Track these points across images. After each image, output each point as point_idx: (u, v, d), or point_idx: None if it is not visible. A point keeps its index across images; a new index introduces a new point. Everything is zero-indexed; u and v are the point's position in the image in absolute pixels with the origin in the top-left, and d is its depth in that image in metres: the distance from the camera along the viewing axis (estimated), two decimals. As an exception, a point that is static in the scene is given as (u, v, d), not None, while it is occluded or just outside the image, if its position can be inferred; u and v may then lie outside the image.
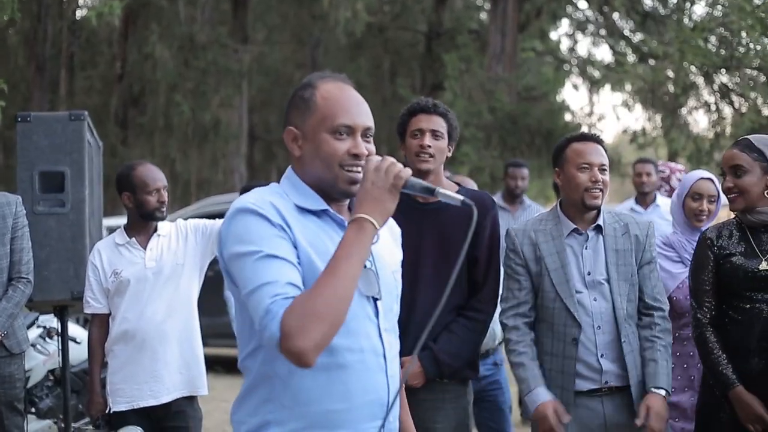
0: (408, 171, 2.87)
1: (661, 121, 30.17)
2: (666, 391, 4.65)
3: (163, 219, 5.76)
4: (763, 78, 24.32)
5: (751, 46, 23.54)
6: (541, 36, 30.39)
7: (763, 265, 4.59)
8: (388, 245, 3.18)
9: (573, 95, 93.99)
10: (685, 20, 25.18)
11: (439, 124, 4.92)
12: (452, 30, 29.03)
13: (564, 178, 4.84)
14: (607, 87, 31.29)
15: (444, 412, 4.92)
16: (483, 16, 30.96)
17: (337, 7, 24.59)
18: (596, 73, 30.50)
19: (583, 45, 49.61)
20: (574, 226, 4.84)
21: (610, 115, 69.28)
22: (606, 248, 4.81)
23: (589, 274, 4.79)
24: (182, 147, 26.88)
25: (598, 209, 4.84)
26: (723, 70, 25.29)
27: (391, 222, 3.29)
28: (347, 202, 3.06)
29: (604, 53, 49.72)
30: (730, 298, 4.69)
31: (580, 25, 30.61)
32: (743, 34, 23.10)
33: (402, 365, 4.81)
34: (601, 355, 4.74)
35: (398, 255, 3.29)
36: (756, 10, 21.22)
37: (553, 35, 32.15)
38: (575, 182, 4.77)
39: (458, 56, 24.90)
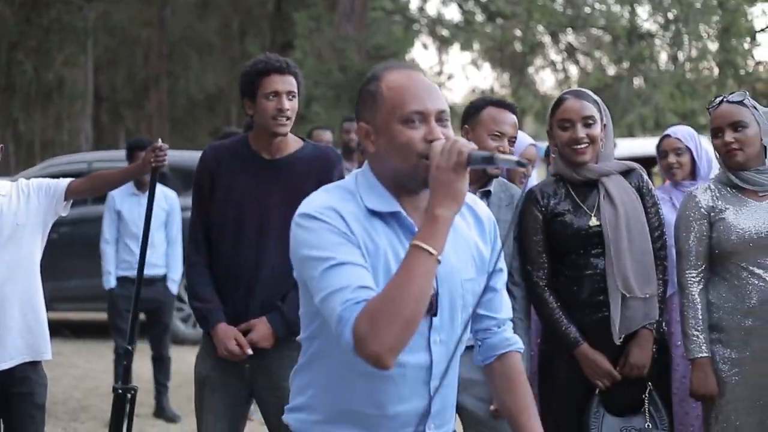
0: (470, 146, 2.71)
1: (509, 80, 30.64)
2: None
3: None
4: (608, 38, 24.87)
5: (597, 6, 24.04)
6: (390, -5, 30.46)
7: (593, 221, 4.60)
8: (463, 247, 2.96)
9: (423, 54, 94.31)
10: (533, -20, 25.52)
11: (293, 84, 4.83)
12: (302, -11, 28.89)
13: (472, 140, 4.69)
14: (456, 46, 31.61)
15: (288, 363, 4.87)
16: (333, -26, 30.86)
17: (183, -36, 24.23)
18: (445, 33, 30.72)
19: (433, 5, 49.76)
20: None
21: (459, 74, 69.74)
22: None
23: None
24: (25, 107, 26.19)
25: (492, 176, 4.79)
26: (569, 30, 25.80)
27: (484, 213, 3.11)
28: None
29: (453, 13, 50.13)
30: (562, 255, 4.69)
31: (429, -15, 30.77)
32: (589, -6, 23.58)
33: (251, 328, 4.77)
34: None
35: (485, 253, 3.05)
36: (601, -29, 21.64)
37: (403, -5, 32.21)
38: (482, 147, 4.56)
39: (308, 15, 24.80)
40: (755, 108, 4.64)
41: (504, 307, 3.13)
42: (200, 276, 4.89)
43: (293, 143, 4.93)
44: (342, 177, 4.90)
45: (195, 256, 4.89)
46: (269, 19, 30.44)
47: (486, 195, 4.76)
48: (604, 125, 4.68)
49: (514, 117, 4.80)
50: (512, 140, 4.75)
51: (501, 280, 3.12)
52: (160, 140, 5.61)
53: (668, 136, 6.04)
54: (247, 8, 30.90)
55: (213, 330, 4.81)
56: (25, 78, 24.89)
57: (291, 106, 4.81)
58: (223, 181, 4.79)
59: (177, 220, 9.02)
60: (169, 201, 8.99)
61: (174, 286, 8.94)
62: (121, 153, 10.68)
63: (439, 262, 2.64)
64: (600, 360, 4.58)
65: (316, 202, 2.82)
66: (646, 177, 4.77)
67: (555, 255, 4.72)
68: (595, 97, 4.73)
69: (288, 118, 4.79)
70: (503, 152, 4.60)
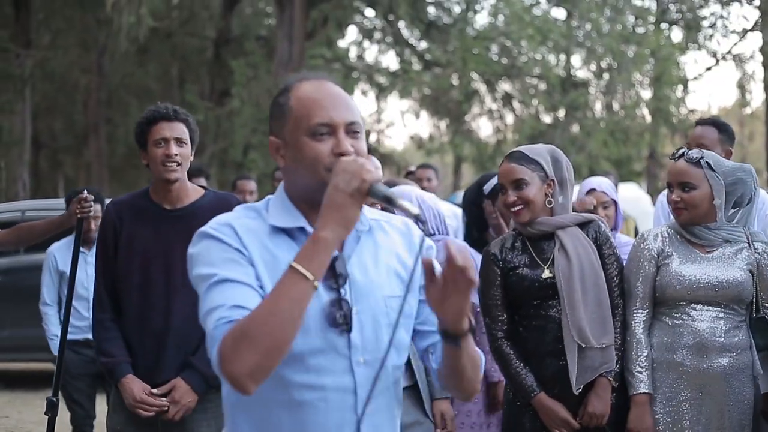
0: (377, 174, 2.57)
1: (446, 128, 30.83)
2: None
3: None
4: (542, 86, 25.17)
5: (531, 55, 24.34)
6: (328, 43, 30.59)
7: (546, 273, 4.66)
8: (385, 263, 2.80)
9: (362, 102, 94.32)
10: (468, 30, 25.80)
11: (183, 130, 4.86)
12: (240, 36, 28.97)
13: None
14: (395, 94, 31.78)
15: (207, 420, 4.91)
16: (272, 22, 30.98)
17: (121, 12, 24.19)
18: (383, 80, 30.89)
19: (371, 53, 49.89)
20: None
21: (398, 121, 69.99)
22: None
23: None
24: (-39, 154, 26.02)
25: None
26: (505, 78, 26.08)
27: (413, 232, 2.90)
28: None
29: (390, 61, 50.36)
30: (520, 308, 4.75)
31: (367, 33, 30.98)
32: (523, 43, 23.89)
33: (173, 402, 4.75)
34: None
35: (405, 269, 2.82)
36: (535, 21, 21.97)
37: (342, 43, 32.35)
38: None
39: (246, 63, 24.89)
40: (711, 168, 4.69)
41: None
42: (106, 332, 4.87)
43: (193, 192, 4.96)
44: None
45: (100, 313, 4.88)
46: (208, 67, 30.49)
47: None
48: (552, 180, 4.70)
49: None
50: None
51: None
52: (85, 191, 5.67)
53: (594, 190, 6.09)
54: (185, 55, 30.94)
55: (120, 383, 4.79)
56: (-38, 125, 24.75)
57: (180, 152, 4.83)
58: (126, 236, 4.82)
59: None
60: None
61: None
62: (57, 201, 10.67)
63: (315, 287, 2.48)
64: (557, 409, 4.62)
65: (214, 220, 2.71)
66: (604, 227, 4.82)
67: (513, 308, 4.77)
68: (538, 156, 4.74)
69: (178, 164, 4.82)
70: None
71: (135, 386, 4.75)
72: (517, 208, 4.68)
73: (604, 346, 4.60)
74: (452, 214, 7.50)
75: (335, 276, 2.65)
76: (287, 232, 2.69)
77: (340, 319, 2.63)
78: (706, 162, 4.71)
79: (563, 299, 4.60)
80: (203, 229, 2.68)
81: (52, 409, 5.72)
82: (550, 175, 4.71)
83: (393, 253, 2.80)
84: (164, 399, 4.76)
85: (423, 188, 10.01)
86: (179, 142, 4.84)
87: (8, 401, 11.54)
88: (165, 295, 4.67)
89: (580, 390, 4.60)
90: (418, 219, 2.53)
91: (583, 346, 4.57)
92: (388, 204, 2.54)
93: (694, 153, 4.75)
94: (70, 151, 34.28)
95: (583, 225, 4.78)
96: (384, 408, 2.73)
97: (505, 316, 4.76)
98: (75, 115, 32.98)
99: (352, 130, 2.68)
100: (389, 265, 2.77)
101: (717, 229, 4.73)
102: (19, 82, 25.56)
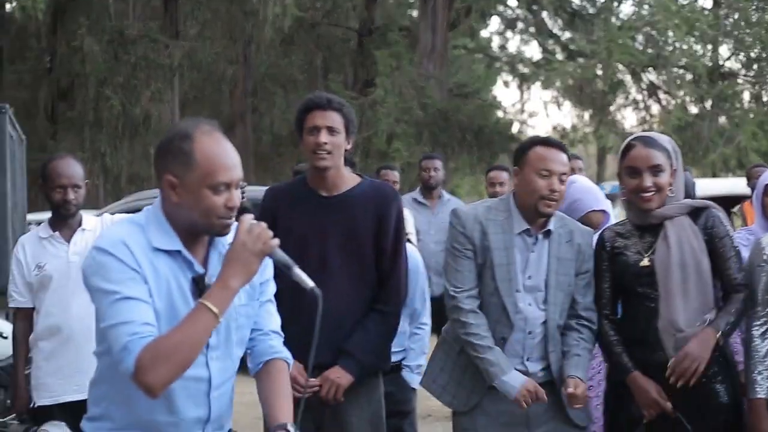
0: (276, 241, 3.19)
1: (590, 118, 30.48)
2: (581, 379, 4.69)
3: (70, 216, 5.68)
4: (689, 76, 24.65)
5: (677, 45, 23.87)
6: (471, 34, 30.53)
7: (645, 262, 4.67)
8: None
9: (504, 92, 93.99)
10: (613, 19, 25.45)
11: (335, 119, 4.92)
12: (383, 27, 29.04)
13: (522, 181, 4.78)
14: (537, 84, 31.54)
15: (359, 404, 4.99)
16: (414, 13, 31.02)
17: (266, 2, 24.48)
18: (526, 71, 30.69)
19: (513, 43, 49.64)
20: (527, 227, 4.78)
21: (540, 111, 69.57)
22: (549, 254, 4.79)
23: (529, 278, 4.76)
24: (113, 141, 26.62)
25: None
26: (650, 69, 25.64)
27: None
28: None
29: (533, 51, 50.03)
30: (628, 293, 4.79)
31: (510, 23, 30.81)
32: (669, 33, 23.43)
33: (327, 381, 4.86)
34: (527, 359, 4.80)
35: (251, 285, 3.42)
36: (681, 10, 21.51)
37: (484, 33, 32.26)
38: (532, 187, 4.72)
39: (389, 53, 24.92)
40: None
41: (269, 320, 3.60)
42: None
43: (350, 180, 5.04)
44: (400, 213, 4.99)
45: None
46: (351, 57, 30.66)
47: (547, 234, 4.81)
48: (674, 170, 4.72)
49: (564, 155, 4.78)
50: (562, 178, 4.74)
51: (267, 295, 3.57)
52: None
53: None
54: (329, 45, 31.15)
55: None
56: (113, 113, 25.34)
57: (331, 140, 4.89)
58: (283, 222, 4.88)
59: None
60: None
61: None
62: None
63: (219, 321, 3.09)
64: (649, 388, 4.62)
65: (108, 236, 3.17)
66: (719, 215, 4.76)
67: (618, 293, 4.82)
68: (665, 143, 4.75)
69: (329, 152, 4.88)
70: (552, 190, 4.68)
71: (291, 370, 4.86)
72: (650, 194, 4.66)
73: (700, 326, 4.57)
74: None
75: (201, 290, 3.20)
76: (166, 252, 3.20)
77: None
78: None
79: (660, 288, 4.60)
80: (101, 245, 3.13)
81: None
82: (673, 164, 4.71)
83: None
84: (315, 380, 4.85)
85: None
86: (331, 131, 4.90)
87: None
88: (319, 280, 4.77)
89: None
90: (312, 290, 3.24)
91: (679, 335, 4.55)
92: (286, 270, 3.22)
93: None
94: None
95: (696, 212, 4.74)
96: (226, 392, 3.41)
97: (608, 298, 4.81)
98: (221, 104, 33.48)
99: (239, 185, 3.24)
100: None
101: None
102: (168, 71, 26.05)
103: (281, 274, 4.42)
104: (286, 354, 3.61)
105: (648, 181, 4.65)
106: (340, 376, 4.88)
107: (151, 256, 3.18)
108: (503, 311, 4.73)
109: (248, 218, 3.18)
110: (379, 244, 4.95)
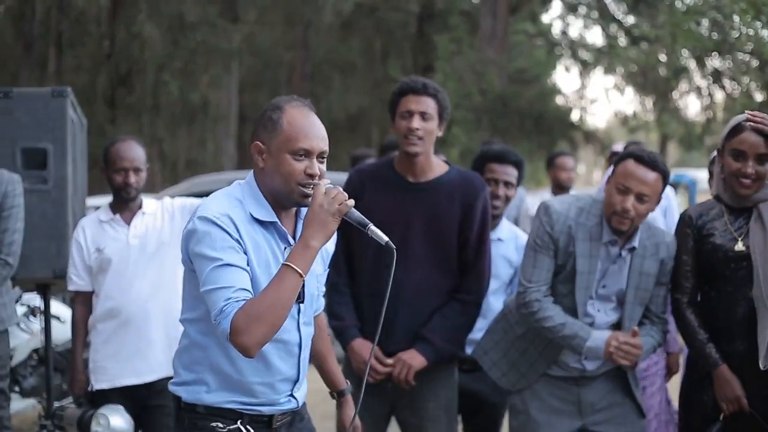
0: (351, 202, 3.35)
1: (652, 105, 30.18)
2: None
3: (131, 199, 5.63)
4: (755, 62, 24.28)
5: (744, 30, 23.51)
6: (532, 19, 30.30)
7: (740, 246, 4.57)
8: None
9: (564, 78, 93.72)
10: (678, 3, 25.09)
11: (429, 105, 4.85)
12: (444, 11, 28.92)
13: (606, 191, 4.66)
14: (599, 70, 31.26)
15: (435, 390, 4.99)
16: (475, -2, 30.85)
17: (327, -14, 24.48)
18: (588, 56, 30.43)
19: (575, 28, 49.45)
20: (614, 238, 4.67)
21: (601, 98, 69.13)
22: (631, 268, 4.71)
23: (604, 287, 4.72)
24: (171, 127, 26.75)
25: (621, 233, 4.65)
26: (715, 54, 25.28)
27: None
28: (295, 210, 3.58)
29: (595, 36, 49.67)
30: (711, 278, 4.67)
31: (571, 8, 30.51)
32: (735, 17, 23.06)
33: (399, 361, 4.89)
34: (585, 358, 4.78)
35: (327, 254, 3.77)
36: (749, -6, 21.12)
37: (545, 18, 32.00)
38: (609, 200, 4.61)
39: (449, 38, 24.83)
40: None
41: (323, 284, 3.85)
42: (339, 296, 5.00)
43: (438, 167, 4.98)
44: (486, 204, 4.94)
45: (335, 277, 4.95)
46: (411, 41, 30.56)
47: (631, 251, 4.69)
48: None
49: (652, 174, 4.55)
50: (643, 198, 4.54)
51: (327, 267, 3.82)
52: None
53: None
54: (389, 30, 31.07)
55: (349, 346, 4.94)
56: (171, 98, 25.43)
57: (424, 126, 4.82)
58: (366, 203, 4.79)
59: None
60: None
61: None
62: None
63: (303, 281, 3.31)
64: (735, 385, 4.53)
65: (213, 207, 3.39)
66: None
67: (703, 277, 4.69)
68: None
69: (420, 138, 4.82)
70: (624, 210, 4.52)
71: (364, 350, 4.88)
72: (749, 181, 4.54)
73: None
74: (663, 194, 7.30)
75: None
76: (262, 224, 3.46)
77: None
78: None
79: (757, 270, 4.47)
80: (207, 215, 3.36)
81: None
82: None
83: None
84: (389, 360, 4.90)
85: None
86: (424, 116, 4.84)
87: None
88: (401, 266, 4.71)
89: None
90: (388, 245, 3.33)
91: None
92: (361, 228, 3.36)
93: None
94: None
95: None
96: (308, 353, 3.69)
97: (693, 283, 4.70)
98: (280, 89, 33.51)
99: (322, 156, 3.47)
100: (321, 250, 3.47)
101: None
102: (227, 56, 26.11)
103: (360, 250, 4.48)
104: (323, 305, 3.95)
105: (751, 167, 4.54)
106: (413, 357, 4.87)
107: (250, 227, 3.42)
108: (572, 313, 4.71)
109: (324, 183, 3.36)
110: (463, 233, 4.92)
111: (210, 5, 27.55)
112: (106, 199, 5.83)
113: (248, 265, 3.38)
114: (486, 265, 5.00)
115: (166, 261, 5.56)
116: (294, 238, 3.52)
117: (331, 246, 3.77)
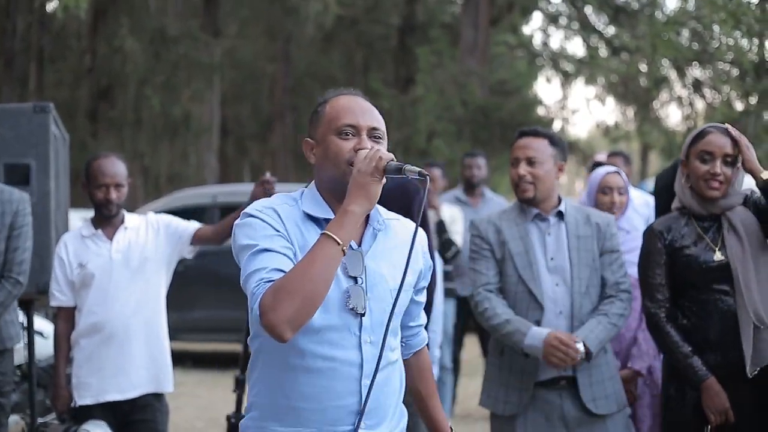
0: (389, 155, 3.04)
1: (633, 115, 30.29)
2: (585, 346, 4.70)
3: (112, 216, 5.64)
4: (735, 72, 24.39)
5: (723, 39, 23.61)
6: (513, 30, 30.36)
7: (718, 256, 4.58)
8: (393, 260, 3.23)
9: (546, 89, 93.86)
10: (658, 14, 25.21)
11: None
12: (425, 23, 28.97)
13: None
14: (580, 81, 31.33)
15: None
16: (456, 9, 30.91)
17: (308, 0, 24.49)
18: (569, 67, 30.51)
19: (556, 39, 49.53)
20: (537, 211, 4.89)
21: (583, 108, 69.31)
22: (568, 234, 4.88)
23: (552, 259, 4.85)
24: (152, 141, 26.71)
25: (529, 200, 4.89)
26: (695, 64, 25.39)
27: (422, 236, 3.39)
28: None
29: (576, 47, 49.87)
30: (687, 290, 4.66)
31: (552, 19, 30.62)
32: (715, 27, 23.17)
33: None
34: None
35: (416, 265, 3.34)
36: (728, 4, 21.25)
37: (526, 29, 32.10)
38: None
39: (430, 50, 24.85)
40: None
41: (422, 315, 3.51)
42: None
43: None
44: (421, 206, 4.90)
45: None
46: (392, 54, 30.61)
47: (560, 216, 4.92)
48: (738, 166, 4.65)
49: (532, 139, 5.00)
50: (531, 161, 4.92)
51: (423, 295, 3.43)
52: (267, 173, 5.67)
53: None
54: (370, 42, 31.12)
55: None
56: (153, 112, 25.40)
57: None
58: None
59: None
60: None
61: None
62: (246, 186, 10.75)
63: (344, 252, 2.94)
64: (723, 398, 4.53)
65: (260, 203, 3.15)
66: (762, 198, 4.66)
67: (677, 290, 4.69)
68: (735, 134, 4.64)
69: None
70: (520, 176, 4.88)
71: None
72: (718, 182, 4.58)
73: None
74: (644, 203, 7.35)
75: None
76: (316, 221, 3.14)
77: (355, 303, 3.08)
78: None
79: (738, 281, 4.48)
80: (248, 210, 3.12)
81: (239, 387, 5.89)
82: (739, 158, 4.65)
83: (402, 250, 3.19)
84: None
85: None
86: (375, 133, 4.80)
87: (199, 381, 11.77)
88: None
89: (756, 372, 4.45)
90: (421, 174, 3.01)
91: (761, 327, 4.44)
92: (400, 174, 3.02)
93: None
94: (256, 138, 34.85)
95: (745, 200, 4.72)
96: (384, 382, 3.16)
97: (667, 296, 4.69)
98: (261, 102, 33.58)
99: (374, 134, 3.18)
100: (398, 261, 3.18)
101: None
102: (208, 70, 26.11)
103: None
104: (426, 338, 3.60)
105: (719, 168, 4.58)
106: None
107: (302, 226, 3.13)
108: (531, 296, 4.82)
109: (363, 152, 3.07)
110: None
111: (191, 19, 27.57)
112: (88, 213, 5.82)
113: (295, 257, 3.04)
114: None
115: (149, 276, 5.56)
116: (359, 243, 3.18)
117: (424, 262, 3.39)
